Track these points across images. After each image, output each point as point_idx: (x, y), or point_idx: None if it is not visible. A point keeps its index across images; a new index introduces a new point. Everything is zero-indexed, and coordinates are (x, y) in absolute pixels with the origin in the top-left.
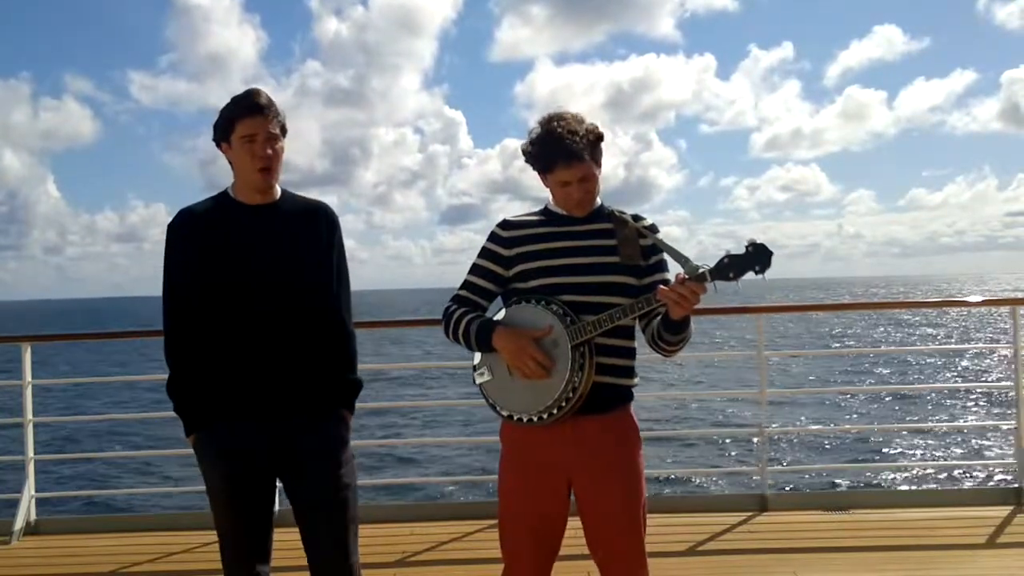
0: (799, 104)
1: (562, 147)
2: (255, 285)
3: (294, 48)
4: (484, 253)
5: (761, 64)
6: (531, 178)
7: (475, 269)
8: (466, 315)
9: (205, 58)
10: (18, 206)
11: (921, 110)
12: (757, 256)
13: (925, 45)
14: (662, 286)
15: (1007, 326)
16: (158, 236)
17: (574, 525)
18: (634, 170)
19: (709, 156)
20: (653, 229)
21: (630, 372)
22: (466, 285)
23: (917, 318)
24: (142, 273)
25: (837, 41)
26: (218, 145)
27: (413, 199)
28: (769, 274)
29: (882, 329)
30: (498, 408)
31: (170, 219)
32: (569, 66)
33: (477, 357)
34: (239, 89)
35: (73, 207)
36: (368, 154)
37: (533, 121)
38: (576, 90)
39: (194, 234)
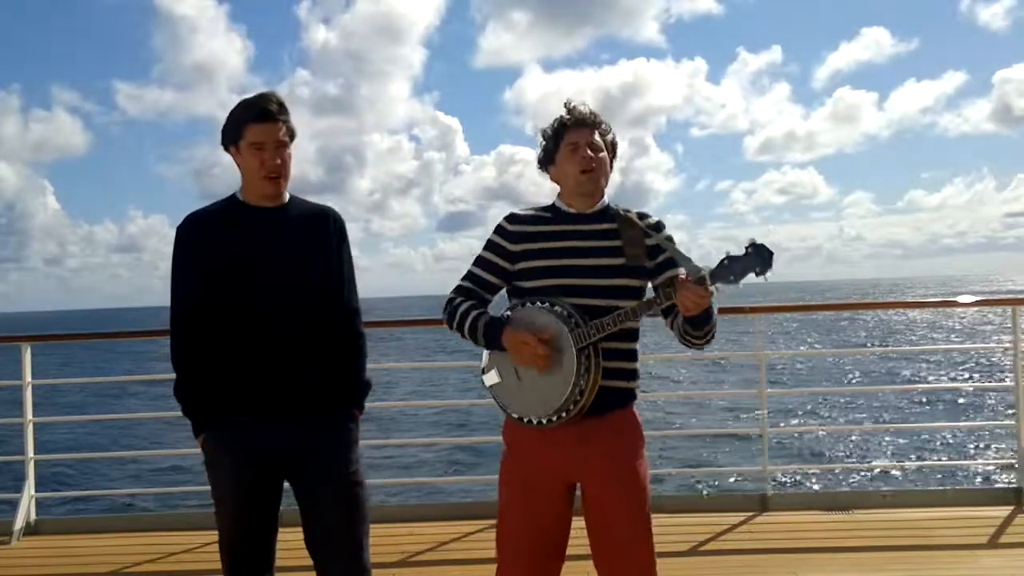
0: (789, 107)
1: (575, 113)
2: (263, 286)
3: (283, 57)
4: (489, 246)
5: (750, 67)
6: (527, 183)
7: (479, 261)
8: (472, 309)
9: (192, 68)
10: (16, 218)
11: (912, 112)
12: (758, 257)
13: (914, 47)
14: (666, 289)
15: None
16: (157, 246)
17: (574, 524)
18: (630, 175)
19: (703, 160)
20: (659, 227)
21: (633, 375)
22: (469, 276)
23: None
24: (143, 284)
25: (825, 44)
26: (226, 148)
27: (410, 206)
28: (771, 277)
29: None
30: (508, 411)
31: (174, 226)
32: (558, 72)
33: (485, 359)
34: (227, 99)
35: (72, 218)
36: (362, 162)
37: (528, 127)
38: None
39: (202, 236)
